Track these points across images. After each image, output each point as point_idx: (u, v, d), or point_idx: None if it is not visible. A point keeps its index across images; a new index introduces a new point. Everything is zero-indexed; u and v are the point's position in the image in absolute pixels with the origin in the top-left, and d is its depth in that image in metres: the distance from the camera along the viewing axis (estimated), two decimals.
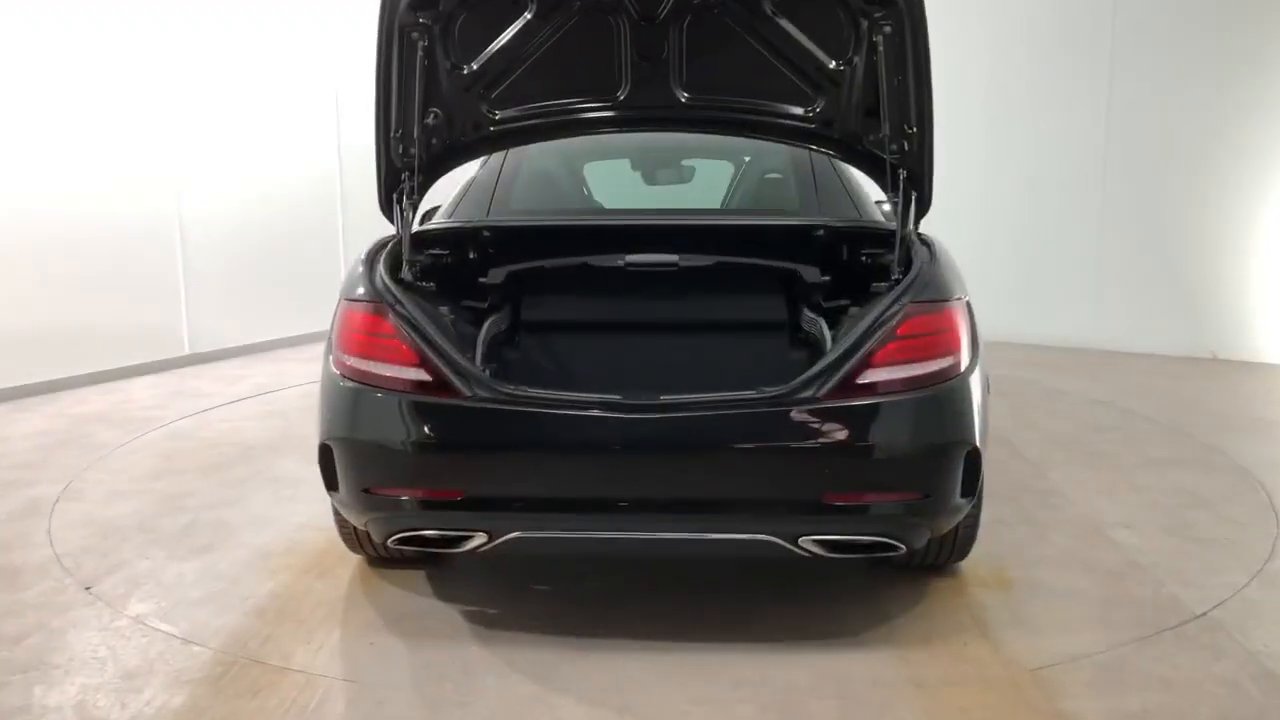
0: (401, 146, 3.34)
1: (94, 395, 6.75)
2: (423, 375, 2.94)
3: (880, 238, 3.61)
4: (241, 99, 8.20)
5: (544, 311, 3.78)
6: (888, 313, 2.93)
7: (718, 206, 4.53)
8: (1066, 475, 4.84)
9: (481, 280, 3.67)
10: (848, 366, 2.88)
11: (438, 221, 3.80)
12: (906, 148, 3.29)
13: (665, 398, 2.91)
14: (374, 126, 3.38)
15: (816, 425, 2.86)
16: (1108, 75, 7.85)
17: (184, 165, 7.76)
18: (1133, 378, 7.11)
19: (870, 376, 2.90)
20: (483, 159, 4.09)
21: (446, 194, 4.20)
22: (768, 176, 4.31)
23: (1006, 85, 8.32)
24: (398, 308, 2.99)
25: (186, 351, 7.81)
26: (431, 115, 3.40)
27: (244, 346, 8.27)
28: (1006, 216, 8.34)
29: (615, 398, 2.90)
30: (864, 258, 3.61)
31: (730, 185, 4.60)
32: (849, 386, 2.88)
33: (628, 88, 3.43)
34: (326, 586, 3.62)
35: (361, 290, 3.09)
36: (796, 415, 2.86)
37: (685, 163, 4.66)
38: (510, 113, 3.50)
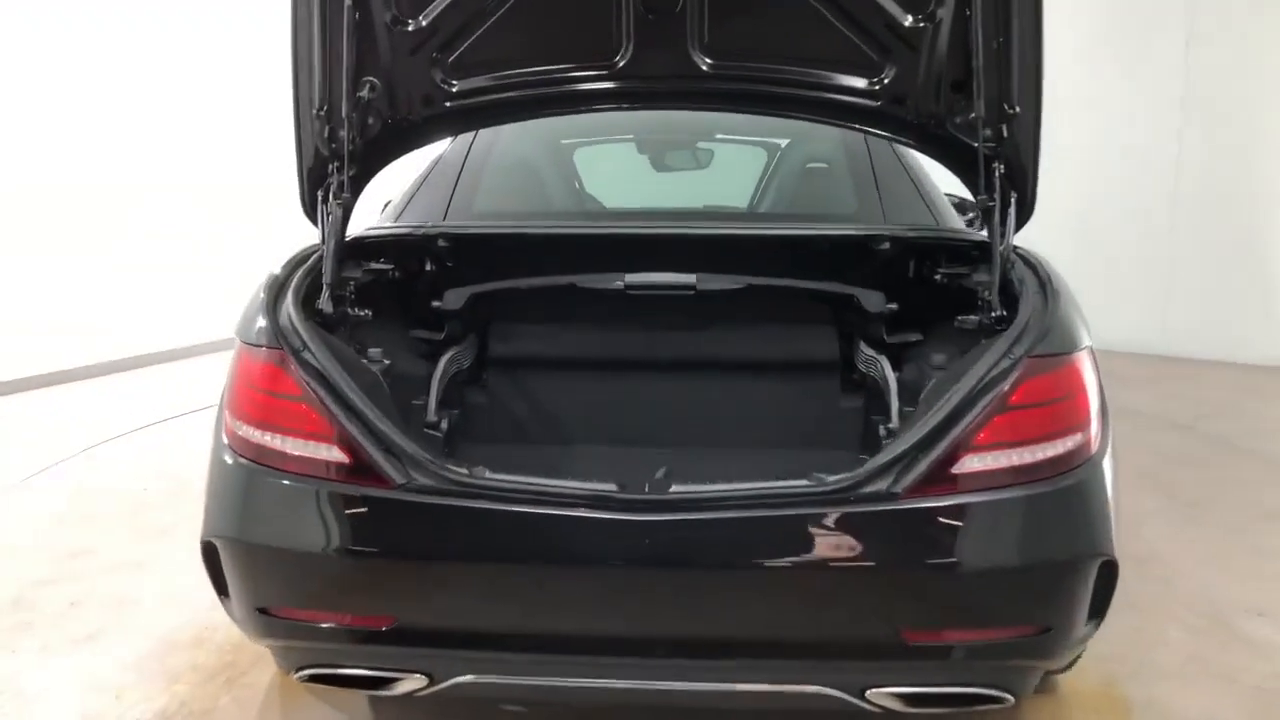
0: (326, 128, 2.51)
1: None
2: (338, 455, 2.13)
3: (961, 251, 2.76)
4: None
5: (517, 346, 2.96)
6: (995, 370, 2.09)
7: (745, 204, 3.62)
8: (1163, 533, 4.01)
9: (436, 305, 2.83)
10: (940, 449, 2.05)
11: (379, 226, 2.94)
12: (1006, 133, 2.45)
13: (679, 490, 2.08)
14: (291, 101, 2.53)
15: (895, 534, 2.05)
16: (1183, 58, 6.94)
17: None
18: (1210, 391, 6.27)
19: (972, 464, 2.07)
20: (441, 143, 3.21)
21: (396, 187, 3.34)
22: (811, 167, 3.44)
23: (1069, 66, 7.35)
24: (305, 355, 2.16)
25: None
26: (367, 86, 2.57)
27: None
28: (1068, 210, 7.42)
29: (609, 489, 2.07)
30: (940, 277, 2.75)
31: (762, 178, 3.71)
32: (941, 478, 2.06)
33: (630, 50, 2.58)
34: (237, 705, 2.80)
35: (259, 328, 2.25)
36: (866, 520, 2.03)
37: (703, 146, 3.78)
38: (473, 83, 2.66)
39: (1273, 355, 6.92)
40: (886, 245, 2.76)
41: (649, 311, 2.90)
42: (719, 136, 3.84)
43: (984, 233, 2.87)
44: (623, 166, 3.96)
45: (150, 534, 4.02)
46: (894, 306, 2.78)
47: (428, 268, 2.95)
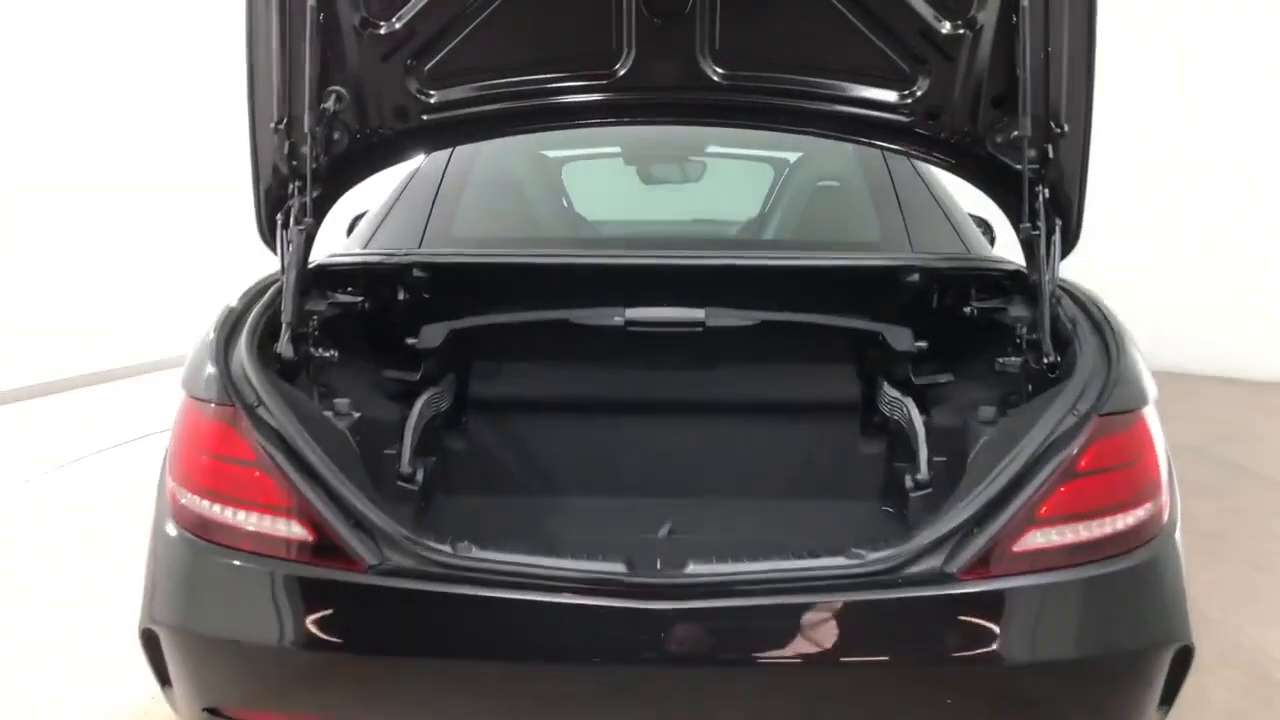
0: (287, 144, 2.22)
1: None
2: (298, 531, 1.84)
3: (992, 282, 2.50)
4: None
5: (502, 387, 2.68)
6: (1060, 430, 1.83)
7: (753, 226, 3.33)
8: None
9: (411, 343, 2.53)
10: (1001, 522, 1.79)
11: (345, 253, 2.64)
12: (1052, 154, 2.19)
13: (697, 571, 1.81)
14: (247, 113, 2.24)
15: (950, 622, 1.79)
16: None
17: None
18: (1215, 410, 6.06)
19: (1035, 540, 1.81)
20: (415, 160, 2.91)
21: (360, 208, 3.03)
22: (825, 185, 3.16)
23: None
24: (260, 411, 1.86)
25: None
26: (332, 97, 2.27)
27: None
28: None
29: (616, 570, 1.79)
30: (971, 311, 2.49)
31: (769, 197, 3.43)
32: (1001, 556, 1.80)
33: (631, 58, 2.30)
34: None
35: (206, 378, 1.94)
36: (918, 606, 1.77)
37: (705, 161, 3.50)
38: (453, 94, 2.37)
39: (1275, 371, 6.75)
40: (915, 277, 2.50)
41: (651, 350, 2.62)
42: (716, 151, 3.56)
43: (1002, 257, 2.63)
44: (617, 183, 3.67)
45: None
46: (923, 345, 2.51)
47: (401, 298, 2.65)
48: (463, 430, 2.73)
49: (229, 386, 1.92)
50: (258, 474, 1.86)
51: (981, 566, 1.80)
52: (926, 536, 1.82)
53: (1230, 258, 6.93)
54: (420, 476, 2.53)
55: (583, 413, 2.69)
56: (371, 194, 2.97)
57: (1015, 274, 2.50)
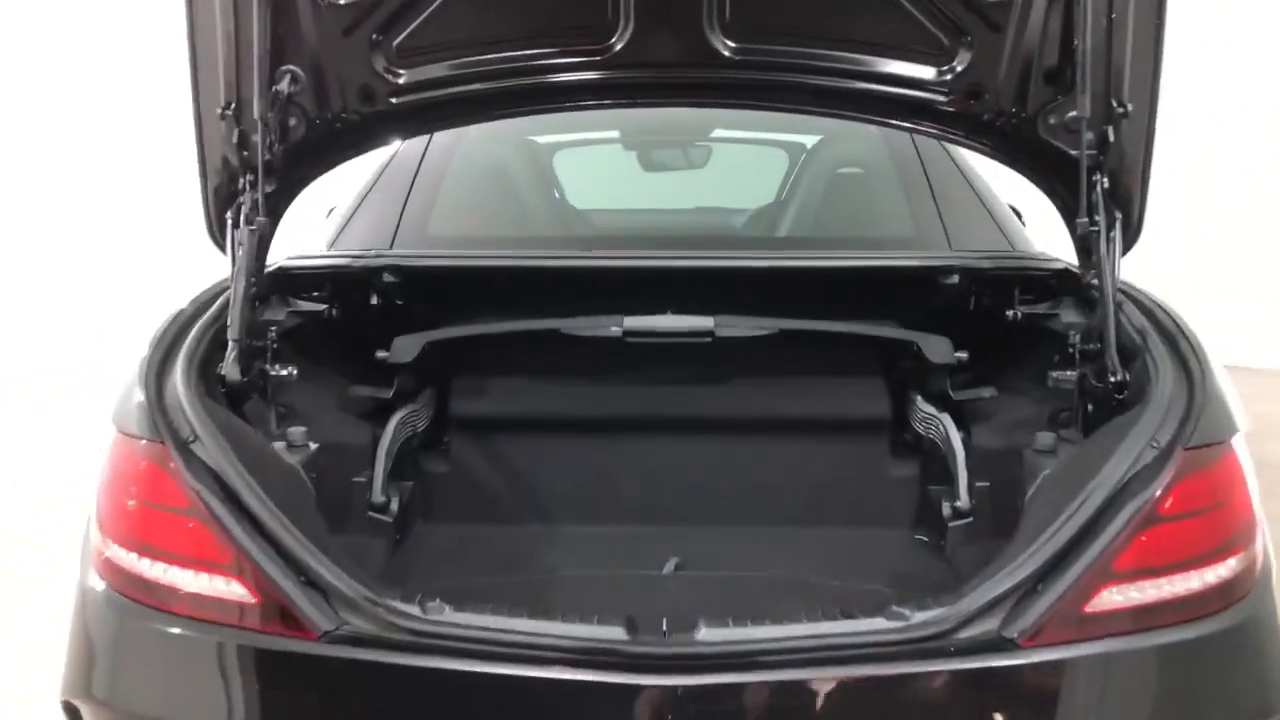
0: (236, 131, 1.95)
1: None
2: (238, 591, 1.57)
3: (1038, 282, 2.23)
4: None
5: (487, 404, 2.41)
6: (1138, 466, 1.56)
7: (765, 217, 3.03)
8: None
9: (382, 356, 2.25)
10: (1071, 577, 1.53)
11: (307, 255, 2.36)
12: (1113, 137, 1.91)
13: (712, 637, 1.54)
14: (190, 97, 1.97)
15: (1012, 699, 1.53)
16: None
17: None
18: (1258, 404, 5.74)
19: (1112, 598, 1.55)
20: (388, 148, 2.63)
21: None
22: (848, 173, 2.86)
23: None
24: (196, 447, 1.59)
25: None
26: (286, 77, 2.01)
27: None
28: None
29: (614, 637, 1.53)
30: (1014, 316, 2.22)
31: (784, 186, 3.13)
32: (1072, 618, 1.53)
33: (629, 31, 2.02)
34: None
35: (135, 409, 1.68)
36: (973, 679, 1.51)
37: (710, 145, 3.20)
38: (426, 73, 2.09)
39: None
40: (955, 279, 2.22)
41: (653, 364, 2.35)
42: (724, 135, 3.26)
43: (1047, 254, 2.36)
44: (615, 172, 3.37)
45: None
46: (963, 356, 2.23)
47: (372, 305, 2.38)
48: (443, 452, 2.46)
49: (160, 419, 1.65)
50: (191, 523, 1.60)
51: (1047, 631, 1.53)
52: (981, 595, 1.54)
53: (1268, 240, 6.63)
54: (395, 506, 2.27)
55: (577, 432, 2.42)
56: (345, 188, 2.72)
57: (1064, 273, 2.23)
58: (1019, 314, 2.26)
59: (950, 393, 2.29)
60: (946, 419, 2.28)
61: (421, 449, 2.45)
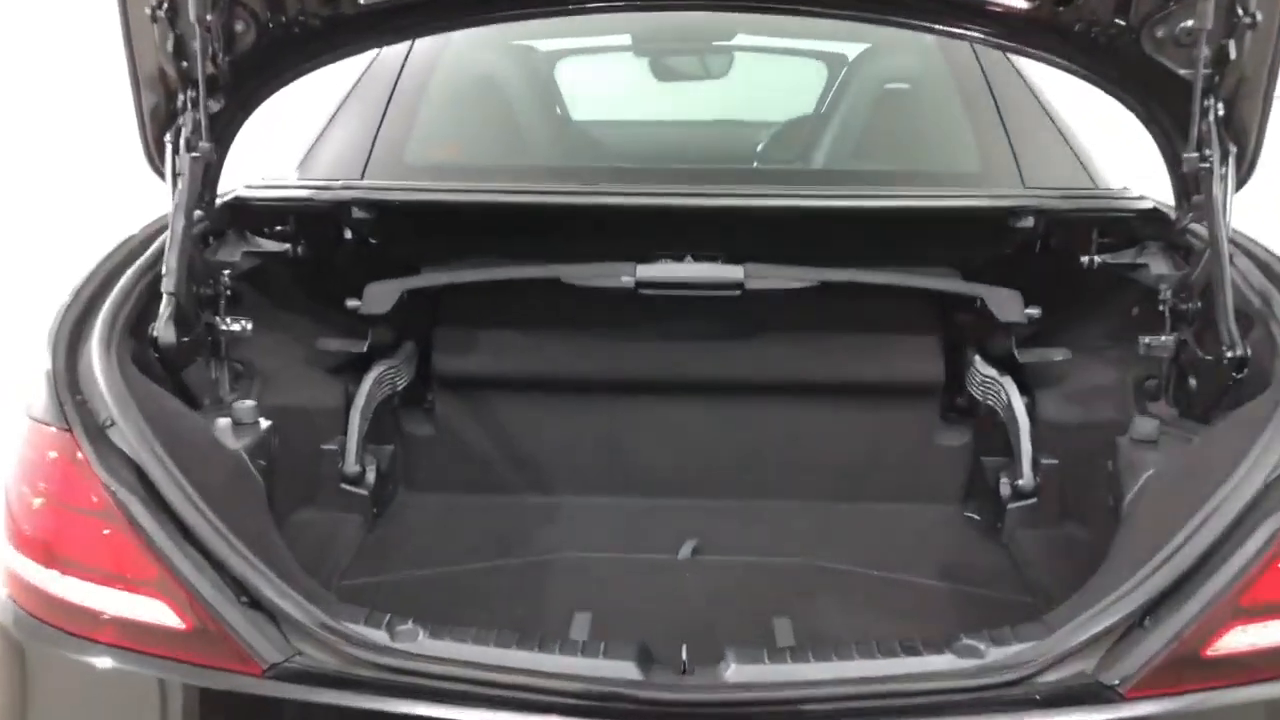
0: (171, 37, 1.63)
1: None
2: (164, 614, 1.30)
3: (1121, 225, 1.92)
4: None
5: (477, 360, 2.11)
6: (1278, 474, 1.27)
7: (800, 139, 2.63)
8: None
9: (353, 305, 1.94)
10: (1191, 612, 1.24)
11: (267, 185, 2.03)
12: (1234, 54, 1.58)
13: (739, 673, 1.28)
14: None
15: None
16: None
17: None
18: None
19: (1239, 639, 1.28)
20: (361, 57, 2.26)
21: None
22: (896, 91, 2.47)
23: None
24: (114, 436, 1.32)
25: None
26: None
27: None
28: None
29: (624, 677, 1.26)
30: (1088, 262, 1.90)
31: (822, 105, 2.73)
32: (1189, 663, 1.25)
33: None
34: None
35: (43, 384, 1.39)
36: None
37: (729, 48, 2.79)
38: None
39: None
40: (1029, 221, 1.89)
41: (671, 317, 2.04)
42: (749, 43, 2.85)
43: (1129, 190, 2.02)
44: (627, 84, 2.97)
45: None
46: (1035, 313, 1.92)
47: (343, 244, 2.06)
48: (427, 412, 2.18)
49: (67, 397, 1.36)
50: (107, 529, 1.32)
51: (1158, 677, 1.25)
52: (1074, 629, 1.26)
53: None
54: (370, 476, 2.01)
55: (581, 392, 2.13)
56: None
57: (1151, 215, 1.91)
58: (1095, 262, 1.94)
59: (1016, 354, 1.98)
60: (1009, 384, 1.99)
61: (403, 408, 2.17)
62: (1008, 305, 1.90)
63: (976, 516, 2.09)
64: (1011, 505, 1.96)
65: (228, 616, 1.28)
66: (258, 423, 1.66)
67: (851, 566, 1.90)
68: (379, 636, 1.30)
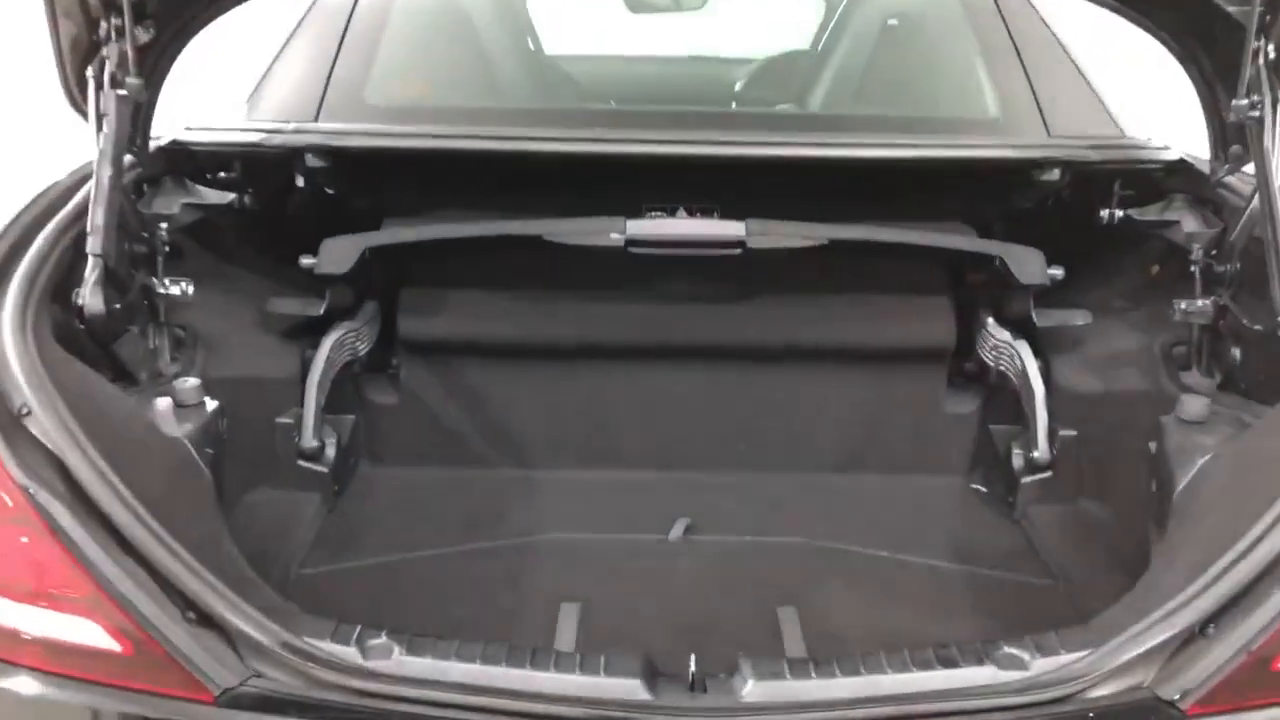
0: None
1: None
2: (96, 635, 1.13)
3: (1144, 177, 1.81)
4: None
5: (446, 324, 1.93)
6: None
7: (800, 79, 2.42)
8: None
9: (308, 264, 1.75)
10: (1260, 622, 1.13)
11: (211, 127, 1.82)
12: None
13: (756, 691, 1.15)
14: None
15: None
16: None
17: None
18: None
19: None
20: None
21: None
22: (904, 28, 2.28)
23: None
24: (31, 426, 1.17)
25: None
26: None
27: None
28: None
29: (632, 693, 1.13)
30: (1108, 217, 1.78)
31: (819, 40, 2.52)
32: (1257, 677, 1.14)
33: None
34: None
35: None
36: None
37: None
38: None
39: None
40: (1055, 174, 1.74)
41: (660, 277, 1.87)
42: None
43: (1165, 146, 1.88)
44: (608, 18, 2.74)
45: None
46: (1058, 274, 1.77)
47: (296, 194, 1.85)
48: (392, 379, 2.00)
49: None
50: (26, 537, 1.13)
51: (1223, 693, 1.13)
52: (1129, 639, 1.14)
53: None
54: (330, 451, 1.84)
55: (561, 358, 1.95)
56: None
57: (1179, 167, 1.77)
58: (1115, 217, 1.80)
59: (1034, 317, 1.84)
60: (1024, 348, 1.86)
61: (364, 375, 1.99)
62: (1029, 265, 1.76)
63: (984, 488, 1.98)
64: (1025, 479, 1.85)
65: (171, 636, 1.11)
66: (203, 404, 1.48)
67: (856, 546, 1.78)
68: (349, 654, 1.14)
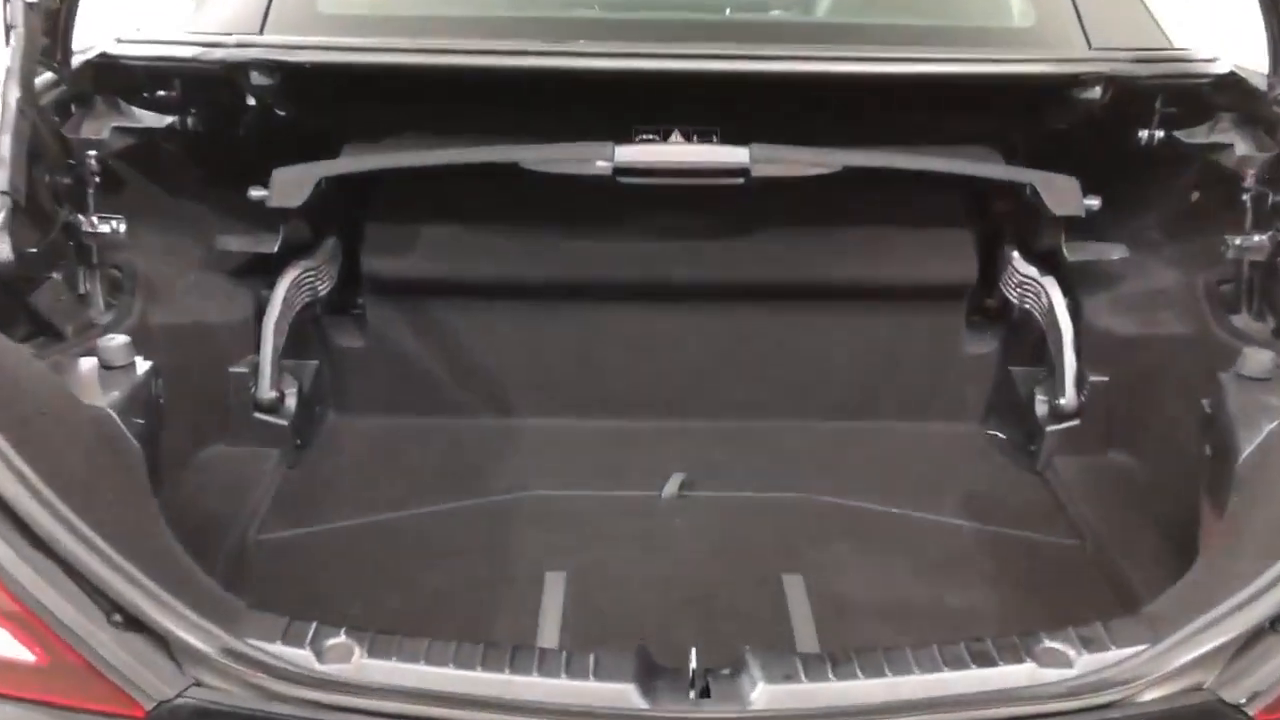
0: None
1: None
2: (10, 644, 0.98)
3: (1189, 94, 1.63)
4: None
5: (415, 261, 1.75)
6: None
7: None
8: None
9: (257, 196, 1.56)
10: None
11: (145, 40, 1.62)
12: None
13: (767, 695, 1.01)
14: None
15: None
16: None
17: None
18: None
19: None
20: None
21: None
22: None
23: None
24: None
25: None
26: None
27: None
28: None
29: (626, 699, 0.99)
30: (1148, 137, 1.61)
31: None
32: None
33: None
34: None
35: None
36: None
37: None
38: None
39: None
40: (1096, 92, 1.55)
41: (653, 208, 1.69)
42: None
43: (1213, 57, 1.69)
44: None
45: None
46: (1095, 203, 1.60)
47: (244, 116, 1.66)
48: (357, 319, 1.83)
49: None
50: None
51: None
52: (1188, 636, 1.00)
53: None
54: (291, 401, 1.69)
55: (545, 298, 1.78)
56: None
57: (1229, 82, 1.59)
58: (1155, 138, 1.63)
59: (1065, 251, 1.67)
60: (1052, 285, 1.72)
61: (328, 316, 1.82)
62: (1064, 194, 1.59)
63: (1002, 435, 1.84)
64: (1050, 428, 1.71)
65: (94, 643, 0.97)
66: (132, 364, 1.30)
67: (865, 502, 1.64)
68: (302, 658, 1.00)
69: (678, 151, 1.54)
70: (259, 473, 1.64)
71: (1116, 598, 1.42)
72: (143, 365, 1.30)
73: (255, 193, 1.58)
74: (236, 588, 1.23)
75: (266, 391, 1.64)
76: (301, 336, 1.76)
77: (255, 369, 1.65)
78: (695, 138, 1.58)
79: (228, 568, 1.41)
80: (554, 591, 1.41)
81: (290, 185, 1.56)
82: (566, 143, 1.54)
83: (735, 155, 1.52)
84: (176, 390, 1.48)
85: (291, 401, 1.69)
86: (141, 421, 1.24)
